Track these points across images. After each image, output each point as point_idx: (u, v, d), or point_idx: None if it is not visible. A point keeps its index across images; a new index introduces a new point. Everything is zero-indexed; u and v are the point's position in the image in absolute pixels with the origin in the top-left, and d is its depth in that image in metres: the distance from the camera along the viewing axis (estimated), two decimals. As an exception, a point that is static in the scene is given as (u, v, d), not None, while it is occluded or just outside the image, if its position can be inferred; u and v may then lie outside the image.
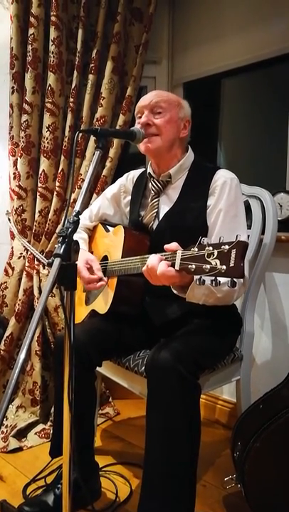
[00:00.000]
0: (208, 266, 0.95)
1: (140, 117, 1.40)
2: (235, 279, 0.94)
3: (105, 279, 1.40)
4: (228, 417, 1.98)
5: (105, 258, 1.50)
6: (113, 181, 1.69)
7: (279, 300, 1.82)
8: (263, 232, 1.63)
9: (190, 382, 1.17)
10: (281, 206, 1.76)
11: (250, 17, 1.94)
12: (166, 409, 1.15)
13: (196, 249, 0.99)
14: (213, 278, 0.94)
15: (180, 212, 1.39)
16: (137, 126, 1.37)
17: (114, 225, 1.56)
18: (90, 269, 1.41)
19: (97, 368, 1.44)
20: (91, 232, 1.69)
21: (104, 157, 1.99)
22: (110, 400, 2.15)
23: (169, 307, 1.38)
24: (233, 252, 0.91)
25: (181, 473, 1.15)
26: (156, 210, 1.44)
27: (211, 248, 0.96)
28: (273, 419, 1.22)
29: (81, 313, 1.55)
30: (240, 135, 2.28)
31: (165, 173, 1.43)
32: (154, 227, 1.43)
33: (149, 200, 1.47)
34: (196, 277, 0.99)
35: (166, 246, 1.09)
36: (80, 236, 1.61)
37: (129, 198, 1.59)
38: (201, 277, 0.98)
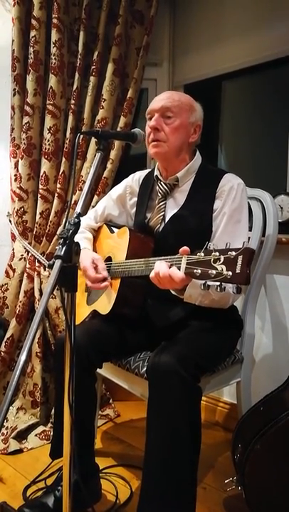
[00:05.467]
0: (213, 271, 0.95)
1: (150, 118, 1.40)
2: (240, 286, 0.94)
3: (110, 279, 1.40)
4: (229, 419, 1.98)
5: (109, 259, 1.50)
6: (114, 183, 1.69)
7: (279, 302, 1.82)
8: (263, 234, 1.63)
9: (191, 385, 1.17)
10: (282, 208, 1.76)
11: (250, 20, 1.95)
12: (167, 411, 1.15)
13: (202, 254, 0.99)
14: (219, 283, 0.94)
15: (187, 216, 1.39)
16: (147, 128, 1.38)
17: (119, 226, 1.56)
18: (96, 269, 1.41)
19: (98, 370, 1.44)
20: (96, 233, 1.68)
21: (106, 159, 1.99)
22: (111, 401, 2.15)
23: (170, 310, 1.39)
24: (240, 258, 0.92)
25: (182, 476, 1.14)
26: (162, 213, 1.44)
27: (217, 254, 0.96)
28: (274, 422, 1.22)
29: (82, 313, 1.55)
30: (240, 137, 2.28)
31: (172, 176, 1.43)
32: (160, 230, 1.43)
33: (156, 202, 1.47)
34: (200, 282, 0.99)
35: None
36: (85, 236, 1.61)
37: (135, 199, 1.59)
38: (206, 282, 0.98)
